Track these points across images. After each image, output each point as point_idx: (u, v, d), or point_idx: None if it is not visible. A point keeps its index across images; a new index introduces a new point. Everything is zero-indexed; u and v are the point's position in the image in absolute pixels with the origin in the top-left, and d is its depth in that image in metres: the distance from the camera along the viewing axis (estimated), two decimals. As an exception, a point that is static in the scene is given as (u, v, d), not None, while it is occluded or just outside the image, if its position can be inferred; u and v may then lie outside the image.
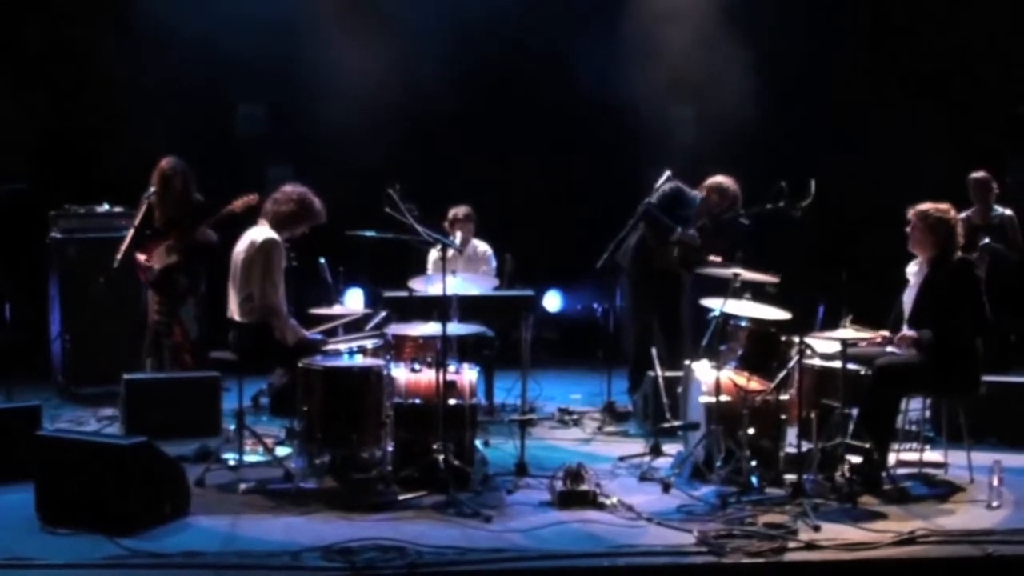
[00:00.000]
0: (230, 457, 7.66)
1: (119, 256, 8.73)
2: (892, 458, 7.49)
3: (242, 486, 7.25)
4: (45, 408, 7.96)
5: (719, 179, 9.34)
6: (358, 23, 11.42)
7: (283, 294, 7.59)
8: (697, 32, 11.41)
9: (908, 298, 7.64)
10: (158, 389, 8.53)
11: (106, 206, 10.05)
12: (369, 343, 7.78)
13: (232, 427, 7.76)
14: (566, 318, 12.05)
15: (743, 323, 7.64)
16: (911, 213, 7.53)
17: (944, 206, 7.51)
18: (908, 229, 7.54)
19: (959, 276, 7.42)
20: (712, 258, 9.01)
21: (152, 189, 9.00)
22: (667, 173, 9.14)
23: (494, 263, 9.89)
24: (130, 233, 8.87)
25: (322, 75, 11.42)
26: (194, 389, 8.52)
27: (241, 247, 7.68)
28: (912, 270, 7.72)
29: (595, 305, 10.14)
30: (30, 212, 9.98)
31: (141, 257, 8.97)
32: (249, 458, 7.71)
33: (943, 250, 7.46)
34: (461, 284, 8.04)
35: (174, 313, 9.13)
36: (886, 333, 7.57)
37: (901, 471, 7.58)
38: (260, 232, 7.66)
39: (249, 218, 8.06)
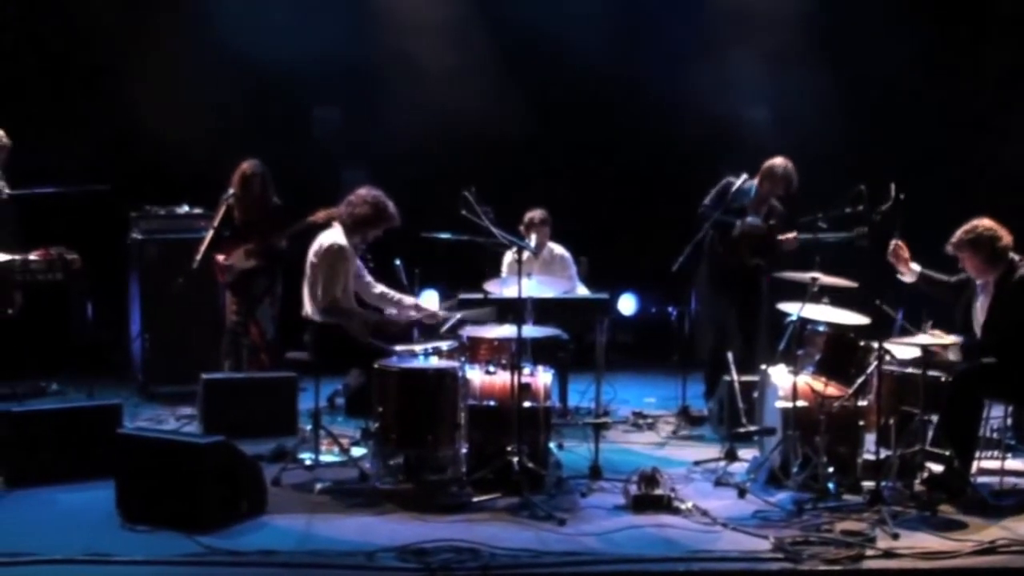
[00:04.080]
0: (306, 457, 7.74)
1: (198, 257, 8.81)
2: (973, 466, 7.36)
3: (318, 486, 7.31)
4: (125, 407, 8.05)
5: (768, 162, 9.19)
6: (434, 26, 11.47)
7: (350, 292, 7.72)
8: (776, 34, 11.31)
9: (980, 306, 7.46)
10: (236, 389, 8.60)
11: (186, 207, 10.17)
12: (444, 345, 7.82)
13: (308, 427, 7.85)
14: (641, 321, 11.99)
15: (821, 328, 7.56)
16: (949, 249, 7.38)
17: (970, 224, 7.33)
18: (960, 265, 7.40)
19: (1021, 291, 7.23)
20: (786, 237, 8.92)
21: (231, 191, 9.08)
22: (744, 176, 9.04)
23: (574, 269, 9.86)
24: (209, 234, 8.94)
25: (398, 77, 11.49)
26: (271, 389, 8.58)
27: (313, 249, 7.80)
28: (981, 281, 7.51)
29: (670, 308, 10.08)
30: (112, 213, 10.15)
31: (220, 257, 9.07)
32: (325, 458, 7.77)
33: (1001, 264, 7.29)
34: (536, 287, 8.02)
35: (251, 314, 9.22)
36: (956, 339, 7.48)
37: (982, 479, 7.44)
38: (329, 236, 7.79)
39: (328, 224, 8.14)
